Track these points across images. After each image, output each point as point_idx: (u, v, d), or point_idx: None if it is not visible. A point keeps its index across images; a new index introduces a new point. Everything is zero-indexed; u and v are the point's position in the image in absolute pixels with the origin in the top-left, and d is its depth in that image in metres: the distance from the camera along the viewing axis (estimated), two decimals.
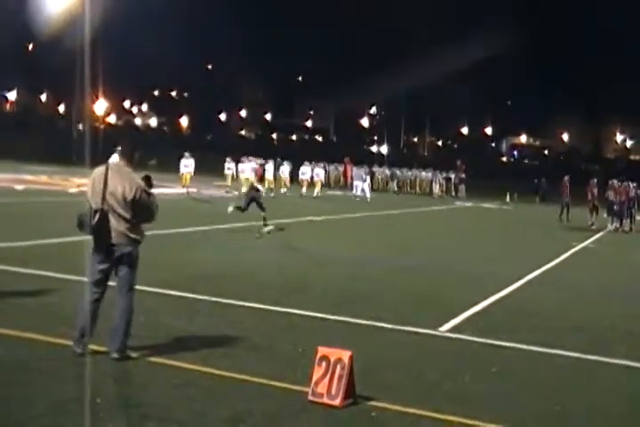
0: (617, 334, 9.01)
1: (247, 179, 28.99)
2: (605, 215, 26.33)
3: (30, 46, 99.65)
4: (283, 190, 32.04)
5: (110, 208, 6.29)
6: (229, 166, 32.79)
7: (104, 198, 6.29)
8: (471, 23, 72.12)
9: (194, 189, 29.20)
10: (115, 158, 6.67)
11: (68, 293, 8.70)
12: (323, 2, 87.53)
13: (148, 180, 6.51)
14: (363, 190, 33.63)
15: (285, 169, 33.49)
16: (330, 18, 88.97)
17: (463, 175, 45.31)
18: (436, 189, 44.56)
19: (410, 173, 47.64)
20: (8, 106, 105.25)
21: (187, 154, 29.45)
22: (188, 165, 28.94)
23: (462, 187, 44.71)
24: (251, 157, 31.28)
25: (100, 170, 6.46)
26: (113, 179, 6.32)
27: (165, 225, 14.11)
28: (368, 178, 35.75)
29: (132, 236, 6.37)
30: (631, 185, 26.30)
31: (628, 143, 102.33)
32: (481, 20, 70.23)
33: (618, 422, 5.94)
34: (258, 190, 17.93)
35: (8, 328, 7.04)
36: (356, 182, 34.87)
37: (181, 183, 28.84)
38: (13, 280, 9.45)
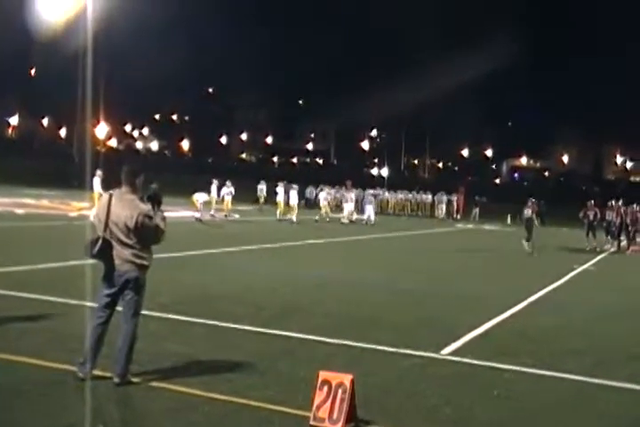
0: (619, 357, 9.00)
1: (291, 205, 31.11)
2: (605, 236, 26.38)
3: (32, 71, 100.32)
4: (293, 217, 30.73)
5: (114, 236, 6.36)
6: (261, 188, 36.14)
7: (106, 226, 6.37)
8: (472, 45, 72.59)
9: (237, 215, 30.44)
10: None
11: (69, 317, 8.74)
12: (323, 28, 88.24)
13: (153, 198, 6.53)
14: (367, 214, 33.72)
15: (293, 194, 32.38)
16: (330, 42, 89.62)
17: (477, 198, 45.47)
18: (441, 211, 44.74)
19: (411, 195, 47.77)
20: (10, 130, 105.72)
21: (228, 183, 30.66)
22: (229, 192, 30.33)
23: (476, 210, 44.68)
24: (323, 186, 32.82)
25: (105, 198, 6.55)
26: (115, 206, 6.38)
27: (180, 247, 14.09)
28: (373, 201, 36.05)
29: (138, 261, 6.40)
30: (620, 205, 26.35)
31: (628, 165, 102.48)
32: (481, 42, 70.71)
33: None
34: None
35: (10, 353, 7.04)
36: (367, 206, 34.94)
37: (224, 208, 30.02)
38: (15, 305, 9.46)
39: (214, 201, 29.84)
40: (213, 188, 29.96)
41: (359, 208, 37.29)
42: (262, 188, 37.48)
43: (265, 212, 33.80)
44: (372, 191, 43.51)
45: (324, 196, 34.80)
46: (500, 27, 72.72)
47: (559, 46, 78.18)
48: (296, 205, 31.53)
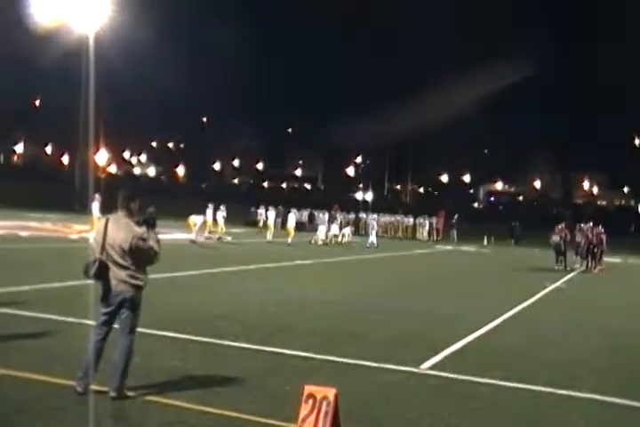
0: (585, 369, 9.03)
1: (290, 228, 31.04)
2: (575, 256, 26.52)
3: (36, 102, 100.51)
4: (289, 239, 30.47)
5: (110, 258, 6.37)
6: (260, 212, 35.89)
7: (103, 248, 6.38)
8: (457, 70, 73.38)
9: (229, 238, 30.33)
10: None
11: (67, 335, 8.69)
12: (312, 62, 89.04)
13: (148, 221, 6.53)
14: (372, 238, 33.68)
15: (291, 217, 32.16)
16: (317, 75, 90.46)
17: (454, 221, 45.72)
18: (424, 233, 44.88)
19: (393, 218, 47.85)
20: (15, 158, 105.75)
21: (222, 207, 30.44)
22: (222, 216, 30.27)
23: (453, 232, 44.93)
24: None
25: (102, 221, 6.58)
26: (112, 229, 6.40)
27: (184, 267, 14.08)
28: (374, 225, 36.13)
29: (133, 282, 6.39)
30: (588, 227, 26.54)
31: (595, 190, 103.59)
32: (466, 68, 71.48)
33: None
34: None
35: (12, 369, 6.99)
36: (371, 230, 34.96)
37: (218, 231, 30.11)
38: (16, 323, 9.39)
39: (209, 224, 29.80)
40: (209, 211, 29.92)
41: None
42: (262, 211, 37.52)
43: (263, 234, 33.26)
44: (374, 216, 43.64)
45: (296, 218, 34.22)
46: (488, 52, 73.52)
47: (532, 82, 79.06)
48: (292, 228, 31.45)
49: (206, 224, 29.37)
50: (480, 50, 74.80)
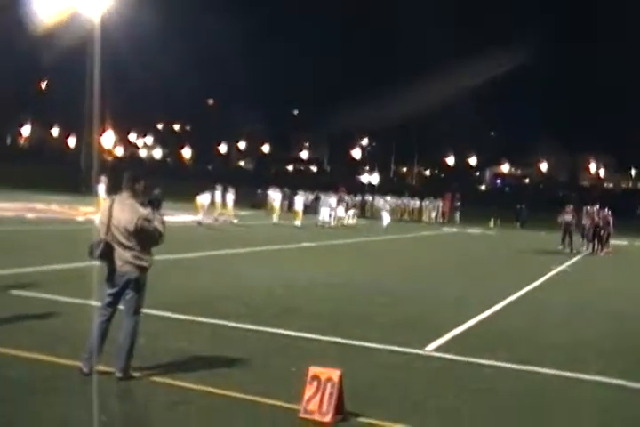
0: (591, 351, 9.02)
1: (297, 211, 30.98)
2: (581, 239, 26.46)
3: (43, 85, 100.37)
4: (297, 222, 30.43)
5: (115, 238, 6.35)
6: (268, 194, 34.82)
7: (108, 229, 6.37)
8: (456, 58, 72.88)
9: (235, 220, 29.99)
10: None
11: (73, 316, 8.72)
12: (318, 43, 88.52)
13: (153, 202, 6.52)
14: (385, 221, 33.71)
15: (299, 200, 32.12)
16: (323, 57, 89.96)
17: (458, 204, 45.69)
18: (431, 215, 44.89)
19: (399, 200, 47.75)
20: (22, 140, 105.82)
21: (230, 189, 30.34)
22: (230, 198, 30.28)
23: (457, 214, 44.97)
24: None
25: (107, 202, 6.57)
26: (117, 211, 6.38)
27: (189, 249, 14.23)
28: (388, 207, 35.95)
29: (138, 263, 6.38)
30: (595, 210, 26.44)
31: (601, 172, 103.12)
32: (468, 54, 70.99)
33: None
34: None
35: (17, 350, 7.03)
36: (383, 213, 34.94)
37: (226, 213, 29.98)
38: (22, 304, 9.43)
39: (218, 206, 29.79)
40: (217, 193, 29.90)
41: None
42: (270, 193, 36.97)
43: (270, 216, 33.06)
44: (388, 198, 43.68)
45: (301, 200, 34.02)
46: (489, 41, 72.98)
47: (540, 63, 78.46)
48: (301, 211, 31.42)
49: (214, 205, 29.38)
50: (481, 36, 74.33)
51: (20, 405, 5.66)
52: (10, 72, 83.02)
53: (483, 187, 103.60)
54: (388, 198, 43.83)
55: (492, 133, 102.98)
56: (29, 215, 25.86)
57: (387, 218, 33.99)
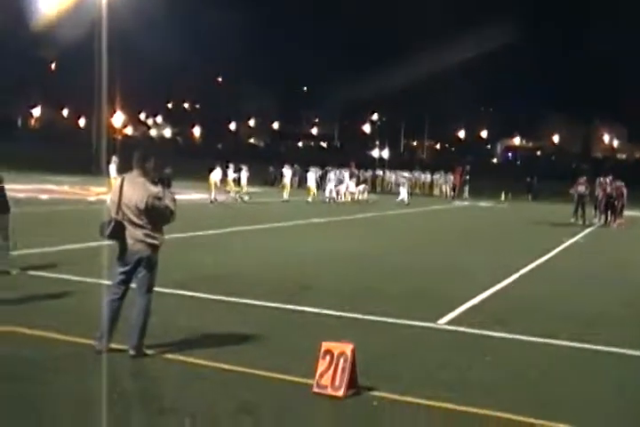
0: (605, 321, 9.00)
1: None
2: (593, 211, 26.29)
3: (52, 66, 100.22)
4: (309, 199, 30.56)
5: (126, 217, 6.34)
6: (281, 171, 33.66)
7: (119, 208, 6.36)
8: (466, 28, 72.04)
9: (246, 197, 29.72)
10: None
11: (86, 295, 8.76)
12: (324, 19, 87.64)
13: (164, 181, 6.51)
14: (402, 195, 33.69)
15: (311, 176, 32.15)
16: (330, 31, 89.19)
17: (467, 177, 45.42)
18: (443, 189, 44.72)
19: (410, 175, 47.52)
20: (33, 121, 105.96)
21: (244, 167, 30.39)
22: (244, 175, 30.25)
23: (466, 188, 44.76)
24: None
25: (118, 181, 6.55)
26: (127, 189, 6.37)
27: (199, 227, 14.24)
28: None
29: (149, 241, 6.38)
30: (608, 181, 26.19)
31: (615, 143, 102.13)
32: (475, 27, 70.14)
33: (604, 407, 5.91)
34: None
35: (32, 329, 7.08)
36: (400, 188, 35.06)
37: (240, 190, 29.93)
38: (36, 284, 9.49)
39: (230, 183, 29.85)
40: (230, 171, 29.98)
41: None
42: (284, 170, 36.54)
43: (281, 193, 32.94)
44: (405, 174, 43.67)
45: (313, 177, 33.89)
46: (497, 14, 72.11)
47: (553, 37, 77.50)
48: (313, 187, 31.43)
49: (226, 183, 29.43)
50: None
51: (35, 382, 5.72)
52: (19, 54, 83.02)
53: (494, 160, 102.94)
54: (406, 174, 43.75)
55: (504, 106, 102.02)
56: (42, 196, 25.95)
57: (404, 193, 33.98)
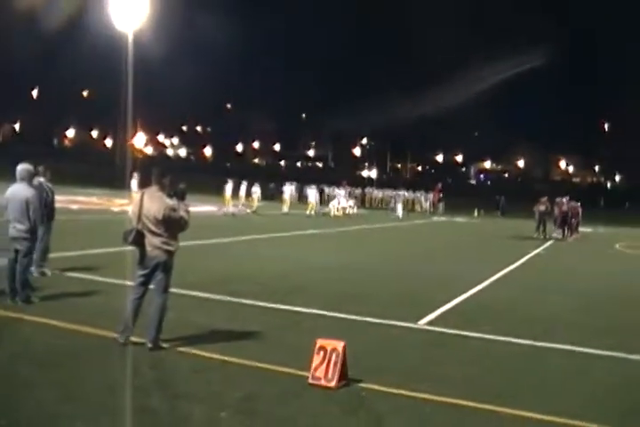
0: (562, 323, 8.98)
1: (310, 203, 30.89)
2: (553, 226, 26.33)
3: (85, 93, 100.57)
4: (309, 212, 30.52)
5: (145, 226, 6.34)
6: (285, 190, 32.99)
7: (139, 219, 6.37)
8: (449, 72, 72.53)
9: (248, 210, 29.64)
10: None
11: (112, 294, 8.71)
12: (323, 53, 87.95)
13: (178, 194, 6.50)
14: (399, 211, 33.85)
15: (311, 192, 31.96)
16: (327, 67, 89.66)
17: (441, 195, 45.71)
18: (423, 205, 44.89)
19: (395, 193, 47.60)
20: (67, 141, 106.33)
21: (256, 184, 30.36)
22: (256, 191, 30.28)
23: (441, 204, 44.94)
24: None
25: (139, 195, 6.54)
26: (147, 202, 6.38)
27: (206, 236, 14.20)
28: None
29: (166, 248, 6.38)
30: (565, 201, 26.26)
31: (570, 169, 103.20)
32: (460, 67, 70.62)
33: (565, 396, 5.89)
34: None
35: (65, 322, 7.07)
36: (397, 205, 35.26)
37: (251, 204, 29.89)
38: (67, 283, 9.43)
39: (242, 198, 29.99)
40: (242, 187, 30.18)
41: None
42: (285, 188, 36.17)
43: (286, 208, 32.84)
44: (401, 193, 43.89)
45: (313, 193, 33.93)
46: (479, 54, 72.40)
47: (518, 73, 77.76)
48: (314, 202, 31.46)
49: (239, 198, 29.59)
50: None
51: (69, 370, 5.72)
52: (56, 82, 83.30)
53: (473, 181, 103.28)
54: (402, 193, 44.08)
55: (476, 134, 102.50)
56: (73, 207, 25.87)
57: (400, 209, 34.34)
